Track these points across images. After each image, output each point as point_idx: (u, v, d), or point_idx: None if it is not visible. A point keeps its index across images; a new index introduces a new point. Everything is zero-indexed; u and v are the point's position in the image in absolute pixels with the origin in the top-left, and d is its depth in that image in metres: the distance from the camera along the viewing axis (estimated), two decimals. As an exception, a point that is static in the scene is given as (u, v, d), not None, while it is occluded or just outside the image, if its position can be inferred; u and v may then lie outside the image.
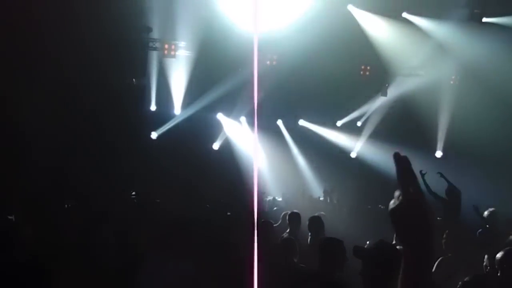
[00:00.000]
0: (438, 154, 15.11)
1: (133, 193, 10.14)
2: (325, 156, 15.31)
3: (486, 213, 8.00)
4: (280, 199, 12.77)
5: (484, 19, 11.18)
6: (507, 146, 12.65)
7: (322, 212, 7.82)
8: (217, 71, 13.26)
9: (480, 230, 7.54)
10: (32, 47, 10.82)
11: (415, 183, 1.39)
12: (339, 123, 16.54)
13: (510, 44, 11.29)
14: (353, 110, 15.98)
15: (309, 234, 6.26)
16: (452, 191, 8.81)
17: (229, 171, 13.83)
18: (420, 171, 9.07)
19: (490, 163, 12.80)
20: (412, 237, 1.34)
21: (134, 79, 13.80)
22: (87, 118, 12.29)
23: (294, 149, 16.68)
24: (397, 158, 1.42)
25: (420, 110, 13.98)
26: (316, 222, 6.34)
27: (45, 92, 11.42)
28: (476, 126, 12.82)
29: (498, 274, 4.19)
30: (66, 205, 7.64)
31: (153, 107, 14.52)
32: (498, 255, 4.23)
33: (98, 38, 11.44)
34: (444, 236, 6.36)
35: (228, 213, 8.43)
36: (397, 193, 1.42)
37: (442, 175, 9.14)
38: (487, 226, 7.73)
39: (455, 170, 12.68)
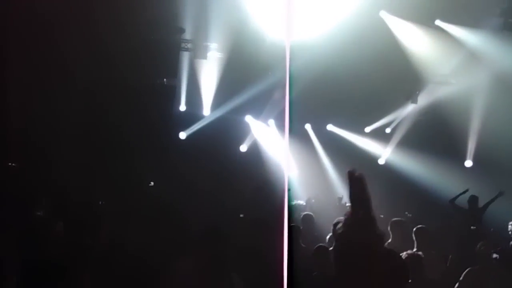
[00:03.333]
0: (468, 163, 14.90)
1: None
2: (353, 162, 15.23)
3: (510, 227, 7.98)
4: (304, 203, 12.76)
5: (520, 29, 11.02)
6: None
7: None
8: (247, 73, 13.35)
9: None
10: (66, 47, 11.06)
11: (368, 206, 1.28)
12: (367, 129, 16.45)
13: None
14: (383, 116, 15.88)
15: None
16: (473, 200, 8.85)
17: (256, 174, 13.89)
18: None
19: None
20: (356, 262, 1.25)
21: (165, 79, 13.98)
22: (117, 117, 12.49)
23: (322, 154, 16.65)
24: (353, 177, 1.30)
25: (450, 118, 13.82)
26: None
27: (77, 90, 11.68)
28: (508, 138, 12.63)
29: None
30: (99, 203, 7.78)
31: (182, 107, 14.69)
32: None
33: (131, 38, 11.65)
34: (478, 246, 6.39)
35: (241, 215, 8.40)
36: (343, 217, 1.31)
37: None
38: None
39: (484, 180, 12.53)
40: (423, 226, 6.51)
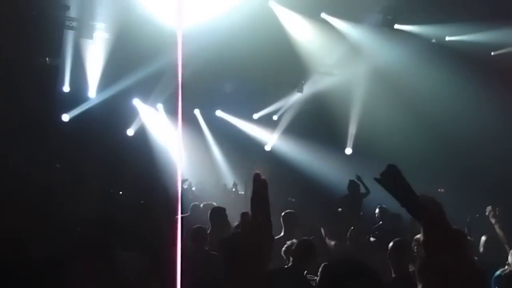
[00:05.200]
0: (348, 151, 15.76)
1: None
2: (241, 148, 15.51)
3: (377, 210, 8.57)
4: (193, 188, 12.81)
5: (396, 26, 11.76)
6: (408, 148, 13.46)
7: (214, 203, 7.81)
8: (135, 55, 13.00)
9: (376, 225, 8.14)
10: None
11: (267, 212, 1.33)
12: (255, 116, 16.79)
13: (417, 52, 11.99)
14: (270, 104, 16.29)
15: (210, 224, 6.21)
16: (353, 185, 9.45)
17: (143, 158, 13.67)
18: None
19: (393, 163, 13.50)
20: (246, 266, 1.29)
21: (47, 58, 13.24)
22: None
23: (210, 139, 16.76)
24: (257, 180, 1.32)
25: (333, 108, 14.51)
26: (217, 213, 6.28)
27: None
28: (383, 127, 13.51)
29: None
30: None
31: (66, 89, 14.01)
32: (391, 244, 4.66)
33: (9, 13, 10.85)
34: (349, 232, 6.72)
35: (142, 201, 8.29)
36: (240, 221, 1.35)
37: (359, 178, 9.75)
38: (381, 222, 8.33)
39: (362, 167, 13.34)
40: (291, 211, 6.60)
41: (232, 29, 11.13)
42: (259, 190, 1.33)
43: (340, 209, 9.26)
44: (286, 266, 4.66)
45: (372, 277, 2.16)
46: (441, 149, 13.36)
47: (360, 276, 2.15)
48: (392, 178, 1.52)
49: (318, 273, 3.86)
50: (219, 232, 5.89)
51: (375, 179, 1.54)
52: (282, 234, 6.00)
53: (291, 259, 4.63)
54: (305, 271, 4.57)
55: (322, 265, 3.80)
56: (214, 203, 7.68)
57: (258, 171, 1.36)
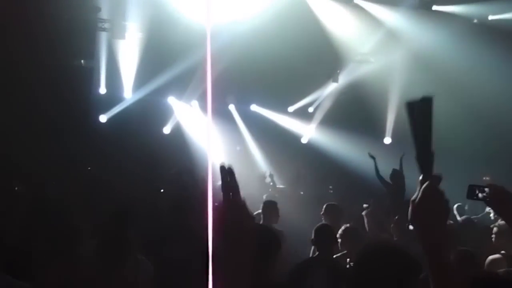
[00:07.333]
0: (387, 140, 15.41)
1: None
2: (277, 141, 15.35)
3: None
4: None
5: (434, 7, 11.36)
6: (451, 136, 13.02)
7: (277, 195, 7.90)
8: (168, 53, 13.03)
9: None
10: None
11: (237, 191, 1.58)
12: (291, 109, 16.59)
13: (458, 33, 11.54)
14: (305, 96, 16.05)
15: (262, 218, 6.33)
16: (395, 174, 9.04)
17: (181, 155, 13.68)
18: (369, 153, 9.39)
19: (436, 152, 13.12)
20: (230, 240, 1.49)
21: (82, 61, 13.40)
22: (33, 101, 11.85)
23: (246, 134, 16.64)
24: (223, 170, 1.58)
25: (370, 96, 14.18)
26: (269, 207, 6.47)
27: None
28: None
29: None
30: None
31: (102, 90, 14.15)
32: None
33: (43, 18, 11.01)
34: (394, 220, 6.53)
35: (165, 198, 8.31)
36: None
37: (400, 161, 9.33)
38: None
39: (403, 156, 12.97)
40: (333, 203, 6.64)
41: (263, 20, 11.00)
42: (228, 178, 1.56)
43: (365, 205, 8.92)
44: (313, 256, 4.78)
45: (407, 260, 2.23)
46: (488, 136, 12.89)
47: (396, 258, 2.25)
48: (420, 112, 1.61)
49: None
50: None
51: (407, 103, 1.68)
52: None
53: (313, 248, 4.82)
54: (333, 255, 4.73)
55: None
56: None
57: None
